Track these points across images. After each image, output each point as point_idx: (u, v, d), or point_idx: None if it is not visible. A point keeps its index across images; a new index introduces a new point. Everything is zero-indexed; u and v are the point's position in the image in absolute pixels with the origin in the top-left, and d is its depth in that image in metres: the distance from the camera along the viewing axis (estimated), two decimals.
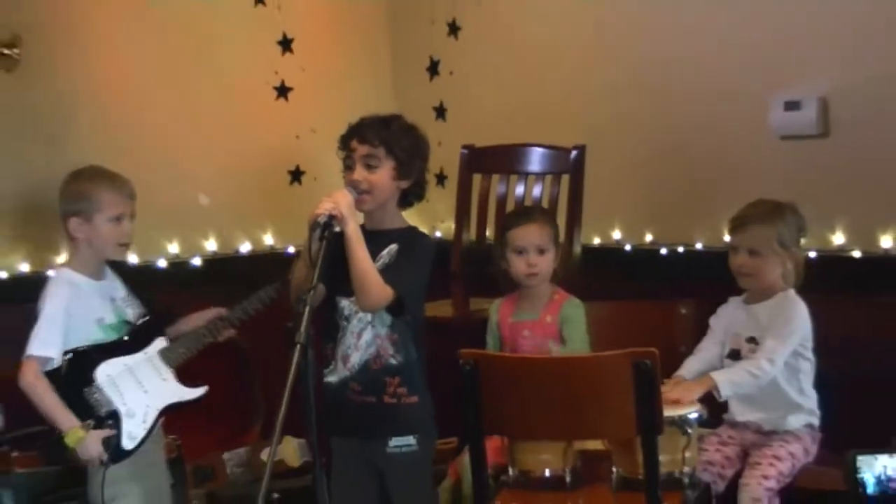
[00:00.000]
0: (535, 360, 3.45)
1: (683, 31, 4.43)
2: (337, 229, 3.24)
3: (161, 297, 3.81)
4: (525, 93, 4.91)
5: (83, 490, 3.63)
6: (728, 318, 3.77)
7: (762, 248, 3.65)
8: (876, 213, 4.04)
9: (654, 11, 4.51)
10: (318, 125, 4.85)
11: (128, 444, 3.50)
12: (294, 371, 2.86)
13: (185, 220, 4.68)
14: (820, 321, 3.64)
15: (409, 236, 3.49)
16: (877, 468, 3.35)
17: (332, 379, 3.47)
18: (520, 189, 4.55)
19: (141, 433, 3.52)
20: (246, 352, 4.29)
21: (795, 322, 3.62)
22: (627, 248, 4.68)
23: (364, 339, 3.44)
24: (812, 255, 3.84)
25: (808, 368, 3.67)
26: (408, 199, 3.53)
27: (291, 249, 4.82)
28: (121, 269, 3.74)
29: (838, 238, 4.12)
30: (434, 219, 5.01)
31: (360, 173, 3.42)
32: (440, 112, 5.22)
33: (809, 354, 3.66)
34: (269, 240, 4.93)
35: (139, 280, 3.81)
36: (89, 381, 3.51)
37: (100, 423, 3.48)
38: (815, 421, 3.68)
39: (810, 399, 3.68)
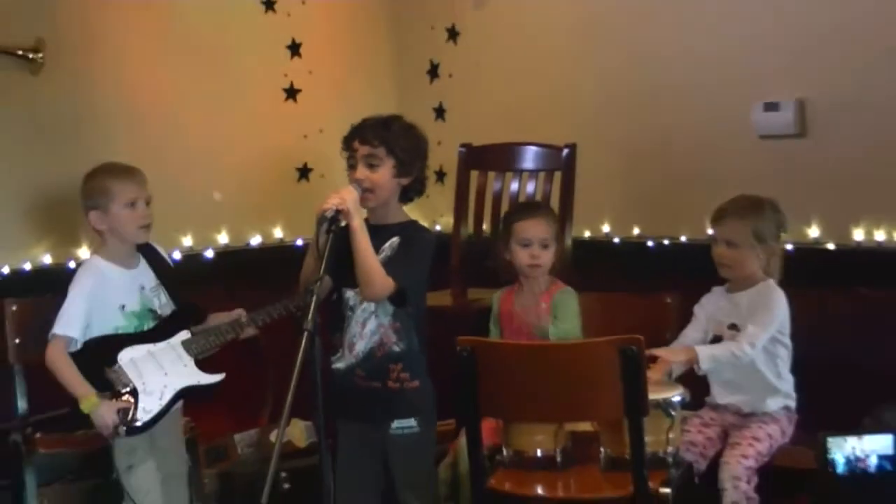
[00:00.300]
0: (528, 347, 3.46)
1: (669, 39, 4.44)
2: (343, 224, 3.26)
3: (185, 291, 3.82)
4: (520, 95, 4.91)
5: (102, 470, 3.66)
6: (711, 306, 3.78)
7: (738, 240, 3.66)
8: (849, 208, 4.05)
9: (642, 22, 4.52)
10: (324, 125, 4.85)
11: (142, 416, 3.48)
12: (301, 357, 2.88)
13: (198, 215, 4.69)
14: (797, 309, 3.65)
15: (409, 230, 3.49)
16: (846, 449, 3.36)
17: (339, 366, 3.48)
18: (515, 185, 4.55)
19: (156, 409, 3.51)
20: (259, 340, 4.29)
21: (775, 310, 3.63)
22: (616, 240, 4.69)
23: (368, 327, 3.45)
24: (789, 247, 3.85)
25: (785, 354, 3.68)
26: (409, 194, 3.53)
27: (299, 242, 4.83)
28: (160, 263, 3.75)
29: (814, 231, 4.12)
30: (434, 213, 5.01)
31: (362, 172, 3.43)
32: (440, 113, 5.22)
33: (787, 341, 3.67)
34: (278, 233, 4.93)
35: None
36: (112, 361, 3.52)
37: (117, 397, 3.49)
38: (792, 404, 3.69)
39: (787, 383, 3.69)
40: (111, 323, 3.58)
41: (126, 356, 3.53)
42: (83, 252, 4.20)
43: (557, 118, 4.72)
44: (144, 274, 3.69)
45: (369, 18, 5.26)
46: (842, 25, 4.00)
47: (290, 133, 4.98)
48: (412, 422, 3.46)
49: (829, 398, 3.69)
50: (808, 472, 3.48)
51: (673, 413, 3.33)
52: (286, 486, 4.05)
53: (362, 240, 3.31)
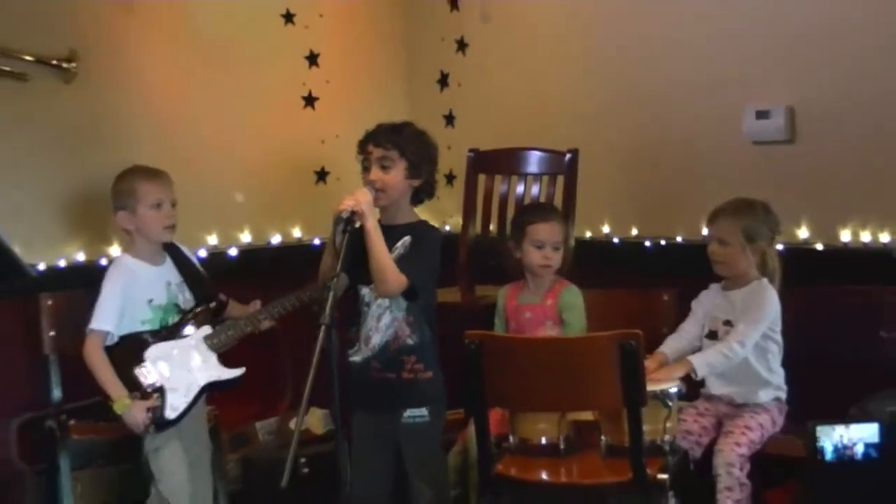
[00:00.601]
0: (533, 341, 3.46)
1: (666, 51, 4.43)
2: (357, 224, 3.26)
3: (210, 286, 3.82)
4: (525, 102, 4.91)
5: (131, 456, 3.67)
6: (708, 303, 3.78)
7: (729, 239, 3.66)
8: (836, 211, 4.04)
9: (640, 34, 4.52)
10: (341, 131, 4.84)
11: (170, 413, 3.53)
12: (319, 349, 2.88)
13: (222, 215, 4.69)
14: (787, 307, 3.65)
15: (420, 229, 3.50)
16: (834, 437, 3.36)
17: (356, 358, 3.49)
18: (520, 188, 4.55)
19: (183, 405, 3.55)
20: (278, 333, 4.30)
21: (766, 308, 3.63)
22: (615, 241, 4.68)
23: (383, 322, 3.46)
24: (780, 248, 3.84)
25: (776, 349, 3.68)
26: (419, 196, 3.54)
27: (317, 241, 4.83)
28: (184, 261, 3.77)
29: (803, 233, 4.11)
30: (444, 214, 5.01)
31: (375, 173, 3.44)
32: (449, 119, 5.22)
33: (778, 337, 3.67)
34: (297, 233, 4.93)
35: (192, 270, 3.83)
36: (140, 360, 3.54)
37: (146, 396, 3.51)
38: (782, 395, 3.69)
39: (778, 376, 3.69)
40: (138, 316, 3.60)
41: (152, 354, 3.55)
42: (114, 249, 4.20)
43: (561, 125, 4.71)
44: (170, 270, 3.71)
45: (383, 31, 5.26)
46: (829, 37, 3.99)
47: (309, 138, 4.98)
48: (423, 411, 3.46)
49: (818, 390, 3.68)
50: (797, 460, 3.48)
51: (670, 403, 3.34)
52: (305, 470, 4.05)
53: (376, 240, 3.31)
